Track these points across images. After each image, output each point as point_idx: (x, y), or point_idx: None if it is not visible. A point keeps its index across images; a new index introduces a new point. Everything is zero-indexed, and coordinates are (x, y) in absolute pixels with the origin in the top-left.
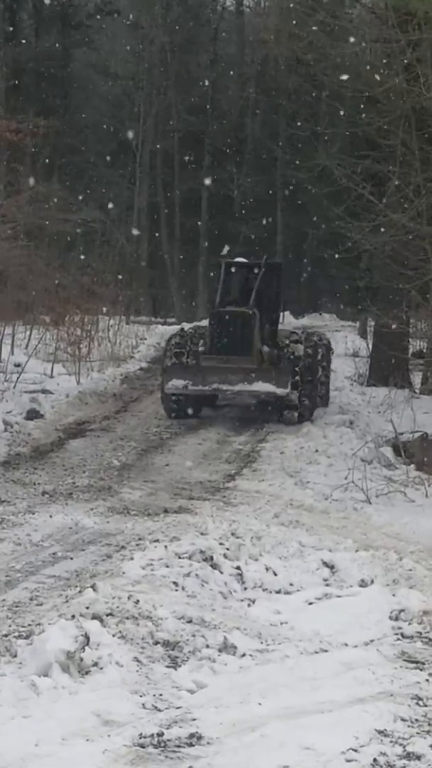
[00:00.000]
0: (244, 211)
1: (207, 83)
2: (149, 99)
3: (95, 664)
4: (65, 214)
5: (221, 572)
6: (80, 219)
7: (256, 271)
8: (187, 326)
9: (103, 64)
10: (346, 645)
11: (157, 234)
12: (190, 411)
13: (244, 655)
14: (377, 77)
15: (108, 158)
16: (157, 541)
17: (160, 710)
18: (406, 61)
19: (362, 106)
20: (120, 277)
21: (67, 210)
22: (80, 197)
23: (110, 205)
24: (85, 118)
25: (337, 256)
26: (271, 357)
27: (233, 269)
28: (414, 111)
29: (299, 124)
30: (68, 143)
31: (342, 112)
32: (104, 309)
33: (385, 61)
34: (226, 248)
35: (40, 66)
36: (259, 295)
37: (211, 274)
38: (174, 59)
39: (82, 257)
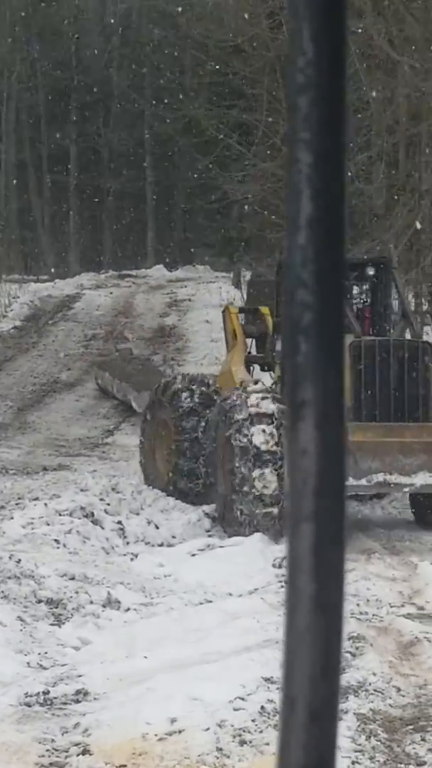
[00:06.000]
0: (112, 166)
1: (71, 37)
2: (12, 55)
3: None
4: None
5: (102, 528)
6: None
7: (371, 272)
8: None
9: None
10: (231, 595)
11: (25, 194)
12: None
13: (128, 609)
14: (240, 26)
15: None
16: (36, 499)
17: (45, 668)
18: (269, 9)
19: (228, 55)
20: None
21: None
22: None
23: None
24: None
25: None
26: None
27: None
28: (279, 59)
29: (165, 76)
30: None
31: (208, 63)
32: None
33: (248, 10)
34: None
35: None
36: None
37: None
38: (36, 14)
39: None
